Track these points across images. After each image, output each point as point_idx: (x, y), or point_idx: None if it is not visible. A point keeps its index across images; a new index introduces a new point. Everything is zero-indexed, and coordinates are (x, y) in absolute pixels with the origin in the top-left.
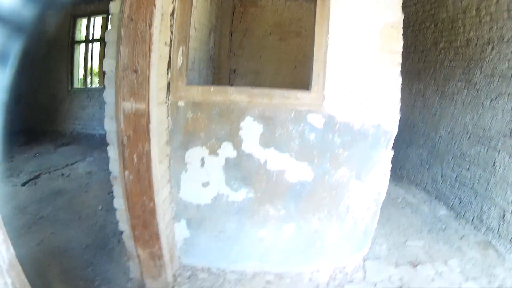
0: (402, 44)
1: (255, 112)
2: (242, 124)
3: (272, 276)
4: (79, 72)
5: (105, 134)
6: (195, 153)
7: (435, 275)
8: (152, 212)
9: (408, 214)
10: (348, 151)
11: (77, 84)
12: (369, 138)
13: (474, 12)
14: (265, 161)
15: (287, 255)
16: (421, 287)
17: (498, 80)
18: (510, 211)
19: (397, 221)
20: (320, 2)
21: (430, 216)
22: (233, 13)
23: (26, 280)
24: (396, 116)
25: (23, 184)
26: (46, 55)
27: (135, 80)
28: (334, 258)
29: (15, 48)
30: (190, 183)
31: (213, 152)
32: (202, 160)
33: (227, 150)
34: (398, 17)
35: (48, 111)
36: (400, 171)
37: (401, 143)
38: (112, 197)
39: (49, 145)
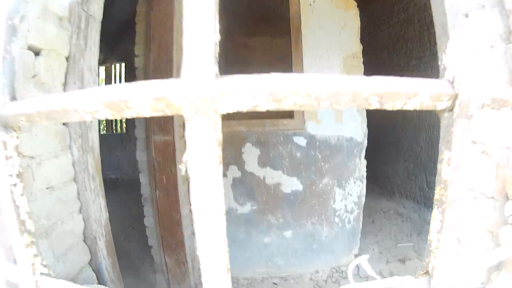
0: (362, 72)
1: (253, 139)
2: (243, 149)
3: (278, 279)
4: None
5: (115, 177)
6: None
7: None
8: (178, 223)
9: (399, 223)
10: (328, 164)
11: None
12: (344, 150)
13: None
14: (264, 177)
15: (289, 259)
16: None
17: None
18: None
19: (388, 229)
20: (294, 40)
21: (420, 221)
22: (226, 57)
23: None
24: (365, 130)
25: None
26: None
27: (162, 118)
28: (330, 259)
29: None
30: None
31: (223, 174)
32: None
33: (233, 171)
34: (357, 48)
35: None
36: (391, 187)
37: (389, 160)
38: (133, 229)
39: None
